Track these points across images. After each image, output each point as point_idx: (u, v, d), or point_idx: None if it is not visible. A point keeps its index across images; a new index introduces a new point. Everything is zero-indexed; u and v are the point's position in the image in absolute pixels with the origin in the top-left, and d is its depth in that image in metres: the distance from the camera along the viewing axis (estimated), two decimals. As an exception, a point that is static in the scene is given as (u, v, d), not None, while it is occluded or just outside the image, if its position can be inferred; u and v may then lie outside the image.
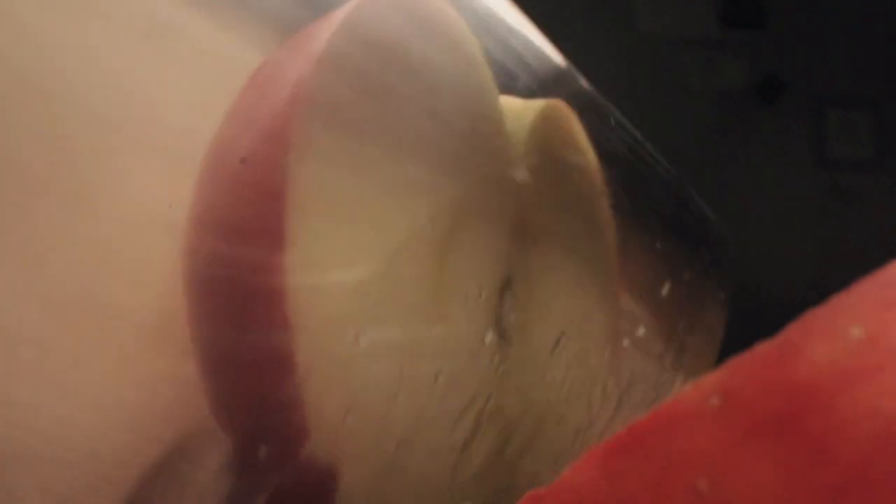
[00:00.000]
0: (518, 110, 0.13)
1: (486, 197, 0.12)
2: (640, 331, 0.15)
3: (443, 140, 0.12)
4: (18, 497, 0.08)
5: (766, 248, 0.48)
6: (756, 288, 0.38)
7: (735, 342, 0.14)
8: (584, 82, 0.15)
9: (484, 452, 0.12)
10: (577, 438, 0.14)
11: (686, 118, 0.44)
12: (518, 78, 0.13)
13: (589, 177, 0.14)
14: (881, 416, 0.06)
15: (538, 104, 0.13)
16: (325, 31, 0.10)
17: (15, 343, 0.07)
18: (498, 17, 0.13)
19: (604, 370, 0.14)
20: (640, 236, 0.15)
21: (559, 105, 0.13)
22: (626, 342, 0.14)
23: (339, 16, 0.11)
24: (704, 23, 0.43)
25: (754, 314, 0.34)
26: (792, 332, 0.06)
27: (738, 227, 0.48)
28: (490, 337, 0.12)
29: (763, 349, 0.06)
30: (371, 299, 0.11)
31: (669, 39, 0.42)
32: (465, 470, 0.12)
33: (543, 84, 0.13)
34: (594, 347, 0.14)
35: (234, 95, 0.09)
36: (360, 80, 0.11)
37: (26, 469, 0.07)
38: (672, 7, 0.42)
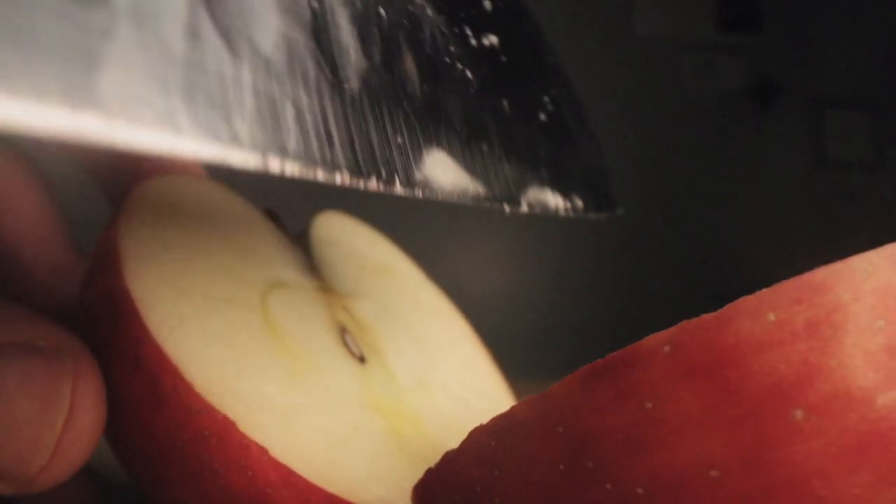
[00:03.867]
0: None
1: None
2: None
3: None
4: None
5: (765, 247, 0.50)
6: (755, 287, 0.41)
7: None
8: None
9: None
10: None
11: (683, 120, 0.45)
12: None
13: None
14: (775, 374, 0.09)
15: None
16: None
17: None
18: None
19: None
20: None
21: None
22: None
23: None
24: (701, 26, 0.43)
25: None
26: (728, 309, 0.09)
27: (737, 227, 0.49)
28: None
29: (706, 318, 0.09)
30: None
31: (666, 42, 0.43)
32: None
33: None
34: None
35: None
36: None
37: None
38: (669, 10, 0.43)
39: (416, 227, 0.41)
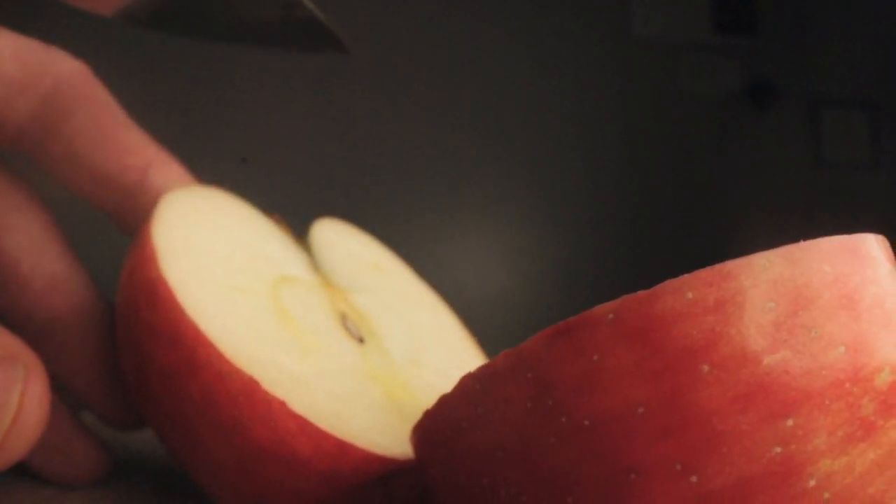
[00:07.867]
0: None
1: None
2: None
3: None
4: None
5: (764, 247, 0.51)
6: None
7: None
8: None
9: None
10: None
11: (681, 121, 0.46)
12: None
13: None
14: (689, 338, 0.12)
15: None
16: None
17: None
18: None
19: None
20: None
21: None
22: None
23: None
24: (698, 27, 0.44)
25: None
26: (657, 288, 0.12)
27: (736, 227, 0.51)
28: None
29: (640, 294, 0.12)
30: None
31: (664, 44, 0.44)
32: None
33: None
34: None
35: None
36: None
37: None
38: (666, 12, 0.44)
39: (417, 228, 0.44)
